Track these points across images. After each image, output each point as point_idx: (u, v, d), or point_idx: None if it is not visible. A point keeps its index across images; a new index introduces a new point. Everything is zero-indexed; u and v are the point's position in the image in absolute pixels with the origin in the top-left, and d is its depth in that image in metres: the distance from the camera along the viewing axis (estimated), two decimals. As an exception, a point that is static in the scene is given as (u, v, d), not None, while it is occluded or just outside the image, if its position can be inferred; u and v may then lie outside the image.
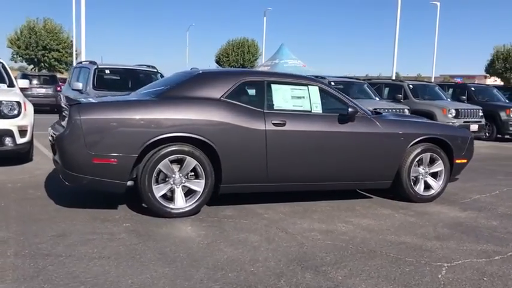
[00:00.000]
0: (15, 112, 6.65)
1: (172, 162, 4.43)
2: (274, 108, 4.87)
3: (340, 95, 5.28)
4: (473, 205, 5.56)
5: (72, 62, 35.56)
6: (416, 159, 5.47)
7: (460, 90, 14.83)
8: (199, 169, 4.49)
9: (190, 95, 4.62)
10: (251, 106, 4.78)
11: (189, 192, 4.55)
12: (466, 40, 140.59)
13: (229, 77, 4.88)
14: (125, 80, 8.90)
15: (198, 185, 4.52)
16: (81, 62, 9.78)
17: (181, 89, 4.67)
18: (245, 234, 4.06)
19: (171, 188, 4.47)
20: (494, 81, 37.71)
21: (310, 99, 5.05)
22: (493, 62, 37.85)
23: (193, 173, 4.54)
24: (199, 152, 4.47)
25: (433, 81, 25.71)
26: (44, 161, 7.41)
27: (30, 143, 6.97)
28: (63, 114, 4.64)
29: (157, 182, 4.41)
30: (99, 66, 8.57)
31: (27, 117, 6.84)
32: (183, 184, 4.50)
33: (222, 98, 4.67)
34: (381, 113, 5.76)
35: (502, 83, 35.63)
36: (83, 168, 4.22)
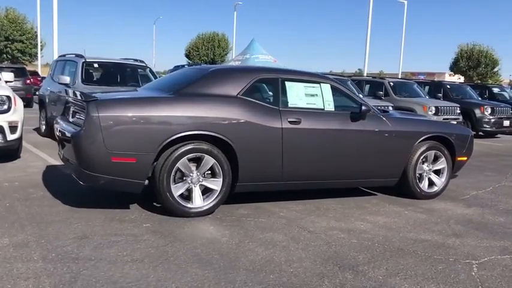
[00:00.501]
0: (6, 107, 6.36)
1: (189, 160, 4.33)
2: (289, 106, 4.83)
3: (351, 93, 5.30)
4: (475, 201, 5.70)
5: (36, 53, 34.38)
6: (422, 156, 5.56)
7: (435, 87, 15.19)
8: (217, 167, 4.40)
9: (207, 92, 4.52)
10: (267, 104, 4.73)
11: (205, 191, 4.46)
12: (430, 38, 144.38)
13: (245, 74, 4.80)
14: (114, 74, 8.65)
15: (216, 184, 4.44)
16: (64, 55, 9.42)
17: (197, 86, 4.56)
18: (269, 234, 4.02)
19: (189, 187, 4.36)
20: (458, 78, 38.89)
21: (323, 97, 5.04)
22: (457, 61, 39.08)
23: (209, 172, 4.45)
24: (217, 150, 4.38)
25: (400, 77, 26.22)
26: (32, 157, 7.13)
27: (20, 139, 6.68)
28: (74, 109, 4.45)
29: (174, 181, 4.30)
30: (87, 60, 8.28)
31: (18, 112, 6.55)
32: (200, 183, 4.40)
33: (238, 96, 4.60)
34: (388, 111, 5.81)
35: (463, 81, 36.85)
36: (100, 167, 4.06)
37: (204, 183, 4.41)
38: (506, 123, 13.91)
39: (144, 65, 9.11)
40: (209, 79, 4.65)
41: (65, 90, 5.03)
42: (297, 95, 4.92)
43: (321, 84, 5.10)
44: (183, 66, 12.65)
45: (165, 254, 3.42)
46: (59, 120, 4.96)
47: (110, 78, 8.50)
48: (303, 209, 4.92)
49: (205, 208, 4.39)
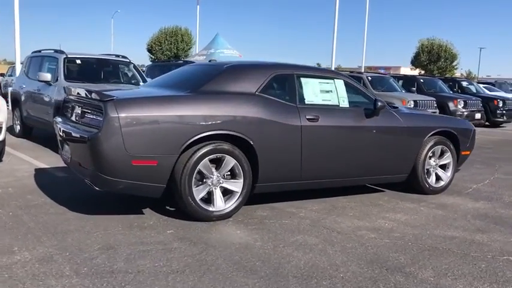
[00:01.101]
0: (-12, 107, 5.91)
1: (210, 162, 4.12)
2: (306, 102, 4.68)
3: (363, 89, 5.21)
4: (479, 195, 5.74)
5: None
6: (430, 152, 5.55)
7: (409, 81, 15.44)
8: (238, 168, 4.21)
9: (225, 90, 4.31)
10: (284, 101, 4.57)
11: (224, 194, 4.26)
12: (391, 33, 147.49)
13: (262, 71, 4.61)
14: (97, 71, 8.23)
15: (236, 185, 4.24)
16: (39, 51, 8.89)
17: (215, 84, 4.34)
18: (300, 237, 3.87)
19: (209, 189, 4.15)
20: (419, 73, 39.89)
21: (337, 93, 4.93)
22: (418, 55, 40.12)
23: (229, 173, 4.26)
24: (238, 150, 4.18)
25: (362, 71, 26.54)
26: (16, 161, 6.70)
27: (4, 142, 6.24)
28: (83, 109, 4.14)
29: (195, 184, 4.07)
30: (69, 56, 7.84)
31: (1, 113, 6.11)
32: (220, 185, 4.20)
33: (257, 93, 4.41)
34: (397, 107, 5.77)
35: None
36: (120, 171, 3.78)
37: (224, 185, 4.21)
38: (478, 116, 14.31)
39: (127, 60, 8.72)
40: (226, 76, 4.43)
41: (66, 88, 4.68)
42: (313, 91, 4.78)
43: (335, 80, 4.98)
44: (162, 61, 12.26)
45: (205, 263, 3.21)
46: (60, 121, 4.63)
47: (93, 74, 8.07)
48: (320, 208, 4.79)
49: (226, 211, 4.20)
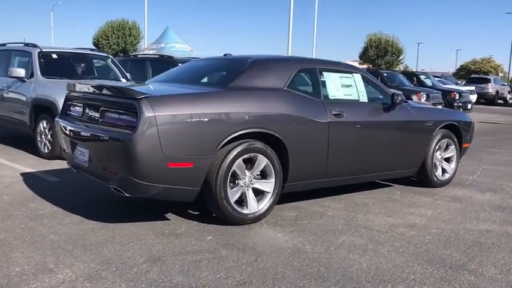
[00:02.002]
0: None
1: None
2: (330, 98, 4.54)
3: (379, 83, 5.14)
4: (482, 186, 5.83)
5: None
6: (437, 145, 5.57)
7: (373, 75, 15.69)
8: (269, 168, 4.00)
9: (254, 86, 4.08)
10: (310, 96, 4.40)
11: (254, 195, 4.03)
12: (340, 28, 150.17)
13: (287, 65, 4.42)
14: (75, 66, 7.67)
15: (268, 186, 4.03)
16: (4, 44, 8.17)
17: (244, 79, 4.09)
18: (345, 237, 3.72)
19: (242, 190, 3.92)
20: (367, 67, 40.88)
21: (357, 88, 4.82)
22: (366, 50, 41.13)
23: (259, 173, 4.04)
24: (270, 149, 3.97)
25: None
26: (-7, 164, 6.11)
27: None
28: (104, 108, 3.76)
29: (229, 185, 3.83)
30: (44, 50, 7.24)
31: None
32: (252, 186, 3.97)
33: (285, 88, 4.21)
34: (407, 101, 5.74)
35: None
36: (155, 175, 3.47)
37: (256, 185, 3.99)
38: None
39: (105, 55, 8.20)
40: (254, 71, 4.18)
41: (70, 84, 4.27)
42: (335, 86, 4.64)
43: (353, 74, 4.87)
44: (135, 55, 11.68)
45: (267, 272, 2.99)
46: (66, 121, 4.23)
47: (71, 70, 7.53)
48: (343, 206, 4.67)
49: (260, 213, 3.98)
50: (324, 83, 4.54)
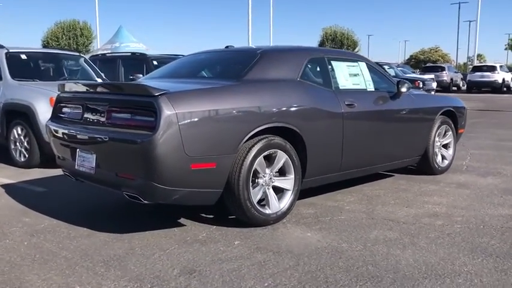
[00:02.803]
0: None
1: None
2: (340, 87, 4.36)
3: (383, 71, 5.01)
4: (479, 171, 5.83)
5: None
6: (438, 132, 5.52)
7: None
8: (288, 164, 3.78)
9: (268, 78, 3.84)
10: (322, 87, 4.21)
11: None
12: (295, 20, 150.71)
13: (298, 55, 4.20)
14: (46, 67, 7.14)
15: (288, 183, 3.81)
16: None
17: (257, 71, 3.83)
18: (376, 232, 3.55)
19: (263, 190, 3.68)
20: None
21: (364, 76, 4.67)
22: (323, 43, 41.50)
23: (277, 170, 3.81)
24: (288, 144, 3.75)
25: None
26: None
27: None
28: (110, 108, 3.41)
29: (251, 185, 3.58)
30: (11, 50, 6.69)
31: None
32: (273, 184, 3.74)
33: (299, 79, 4.00)
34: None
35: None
36: (178, 178, 3.17)
37: (276, 183, 3.76)
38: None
39: (77, 54, 7.70)
40: (266, 62, 3.93)
41: (62, 85, 3.90)
42: (343, 75, 4.47)
43: (359, 62, 4.72)
44: (103, 54, 11.08)
45: (317, 276, 2.77)
46: (61, 125, 3.85)
47: (42, 71, 7.02)
48: (357, 199, 4.52)
49: (281, 212, 3.75)
50: (333, 72, 4.36)
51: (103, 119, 3.45)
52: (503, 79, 27.68)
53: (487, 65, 29.12)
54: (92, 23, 38.07)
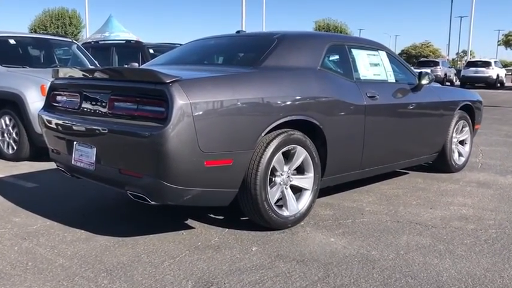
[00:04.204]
0: None
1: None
2: (361, 78, 4.02)
3: (403, 61, 4.67)
4: (496, 169, 5.54)
5: None
6: (455, 127, 5.21)
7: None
8: (307, 161, 3.43)
9: (286, 65, 3.48)
10: (344, 77, 3.86)
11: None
12: (288, 15, 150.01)
13: (318, 41, 3.84)
14: (37, 53, 6.70)
15: (307, 182, 3.47)
16: None
17: (276, 57, 3.46)
18: (405, 237, 3.23)
19: (281, 189, 3.33)
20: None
21: (384, 67, 4.33)
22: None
23: (295, 168, 3.47)
24: (308, 139, 3.40)
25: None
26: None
27: None
28: (113, 96, 3.02)
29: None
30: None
31: None
32: (290, 183, 3.39)
33: (319, 68, 3.64)
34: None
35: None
36: (191, 176, 2.81)
37: (294, 182, 3.41)
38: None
39: (69, 40, 7.25)
40: (284, 48, 3.56)
41: (56, 70, 3.51)
42: (364, 65, 4.13)
43: (379, 51, 4.37)
44: (96, 41, 10.60)
45: (353, 290, 2.43)
46: (56, 115, 3.46)
47: (32, 57, 6.57)
48: (375, 199, 4.19)
49: (300, 214, 3.41)
50: (354, 61, 4.02)
51: (104, 109, 3.07)
52: (498, 75, 27.58)
53: (481, 61, 28.98)
54: (81, 11, 37.28)
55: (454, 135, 5.23)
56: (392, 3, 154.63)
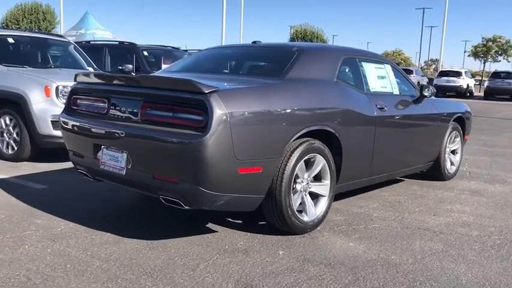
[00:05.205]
0: None
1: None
2: (370, 90, 4.22)
3: (404, 74, 4.90)
4: (484, 178, 5.84)
5: None
6: (449, 137, 5.49)
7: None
8: (325, 169, 3.60)
9: (307, 77, 3.64)
10: (356, 88, 4.05)
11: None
12: (265, 20, 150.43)
13: (334, 54, 4.02)
14: (35, 53, 6.64)
15: (324, 189, 3.63)
16: None
17: (298, 69, 3.61)
18: (418, 243, 3.43)
19: (301, 196, 3.49)
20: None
21: (390, 79, 4.55)
22: (292, 40, 41.47)
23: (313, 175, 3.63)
24: (327, 148, 3.57)
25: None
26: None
27: None
28: (146, 103, 3.11)
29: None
30: (-2, 33, 6.19)
31: None
32: (309, 189, 3.55)
33: (335, 80, 3.82)
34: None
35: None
36: (226, 183, 2.93)
37: (313, 189, 3.57)
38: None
39: (67, 40, 7.22)
40: (304, 61, 3.72)
41: (80, 74, 3.57)
42: (373, 77, 4.33)
43: (385, 64, 4.59)
44: (88, 41, 10.47)
45: (384, 292, 2.61)
46: (83, 118, 3.51)
47: (31, 57, 6.52)
48: (380, 205, 4.40)
49: (318, 219, 3.58)
50: (364, 74, 4.21)
51: (136, 115, 3.15)
52: (468, 85, 28.53)
53: (453, 71, 29.92)
54: (55, 7, 36.58)
55: (447, 145, 5.51)
56: (365, 11, 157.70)
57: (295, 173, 3.31)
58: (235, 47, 4.39)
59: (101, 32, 30.02)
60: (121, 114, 3.27)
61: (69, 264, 2.80)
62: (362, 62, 4.25)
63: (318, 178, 3.62)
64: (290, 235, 3.43)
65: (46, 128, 5.41)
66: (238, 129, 2.88)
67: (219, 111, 2.78)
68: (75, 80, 3.73)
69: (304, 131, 3.30)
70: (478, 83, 36.26)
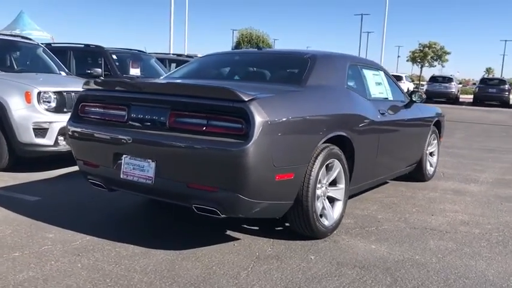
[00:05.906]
0: None
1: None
2: (372, 96, 4.37)
3: (394, 80, 5.11)
4: (458, 178, 6.19)
5: None
6: (429, 140, 5.77)
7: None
8: (340, 174, 3.70)
9: (323, 84, 3.72)
10: (361, 95, 4.18)
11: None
12: (211, 23, 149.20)
13: (341, 61, 4.12)
14: (3, 55, 6.25)
15: (340, 193, 3.72)
16: None
17: (315, 77, 3.67)
18: (432, 243, 3.60)
19: (321, 200, 3.55)
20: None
21: (384, 85, 4.74)
22: (239, 44, 41.67)
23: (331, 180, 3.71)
24: (342, 153, 3.67)
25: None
26: None
27: None
28: (177, 111, 3.04)
29: (314, 196, 3.43)
30: (-35, 35, 5.78)
31: None
32: (327, 194, 3.63)
33: (346, 87, 3.93)
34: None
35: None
36: (263, 190, 2.93)
37: (330, 193, 3.65)
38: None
39: (35, 43, 6.86)
40: (318, 68, 3.78)
41: (92, 81, 3.45)
42: (372, 83, 4.49)
43: (379, 71, 4.77)
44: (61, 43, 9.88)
45: (427, 291, 2.72)
46: (96, 126, 3.38)
47: (1, 61, 6.14)
48: (378, 207, 4.55)
49: (336, 223, 3.66)
50: (365, 80, 4.36)
51: (163, 123, 3.07)
52: (408, 89, 29.78)
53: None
54: (-13, 6, 34.56)
55: (428, 147, 5.79)
56: (304, 16, 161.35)
57: (318, 178, 3.37)
58: (244, 54, 4.41)
59: (37, 33, 28.56)
60: (145, 123, 3.18)
61: (108, 278, 2.70)
62: (363, 69, 4.39)
63: (333, 183, 3.70)
64: (311, 240, 3.48)
65: (27, 136, 5.13)
66: (275, 136, 2.90)
67: (260, 119, 2.79)
68: (86, 87, 3.58)
69: (329, 136, 3.37)
70: (416, 86, 38.01)
